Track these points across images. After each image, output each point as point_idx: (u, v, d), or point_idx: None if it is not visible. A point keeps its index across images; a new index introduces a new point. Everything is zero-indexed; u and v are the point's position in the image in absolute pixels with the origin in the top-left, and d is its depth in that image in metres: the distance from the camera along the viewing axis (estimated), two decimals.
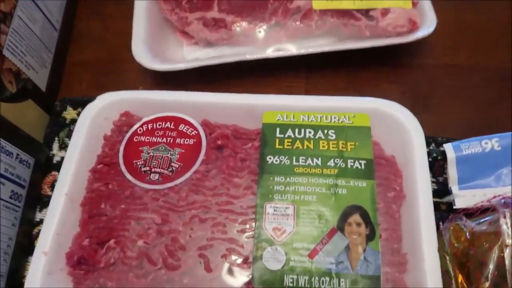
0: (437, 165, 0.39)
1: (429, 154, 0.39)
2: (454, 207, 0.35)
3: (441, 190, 0.38)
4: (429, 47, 0.46)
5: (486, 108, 0.43)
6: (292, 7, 0.43)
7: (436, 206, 0.37)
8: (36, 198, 0.41)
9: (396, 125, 0.37)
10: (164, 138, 0.37)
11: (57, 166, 0.41)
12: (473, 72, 0.45)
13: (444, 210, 0.37)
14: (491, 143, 0.34)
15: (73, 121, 0.44)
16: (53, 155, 0.43)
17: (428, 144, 0.40)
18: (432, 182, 0.38)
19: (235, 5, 0.43)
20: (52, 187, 0.41)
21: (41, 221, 0.39)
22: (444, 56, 0.46)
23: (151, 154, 0.36)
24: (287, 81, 0.46)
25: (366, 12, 0.42)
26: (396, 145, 0.37)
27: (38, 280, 0.32)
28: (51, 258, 0.33)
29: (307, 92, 0.45)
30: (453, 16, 0.48)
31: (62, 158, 0.37)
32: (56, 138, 0.43)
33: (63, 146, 0.43)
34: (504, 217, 0.30)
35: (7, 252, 0.37)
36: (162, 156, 0.36)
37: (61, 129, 0.44)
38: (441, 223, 0.35)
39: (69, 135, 0.43)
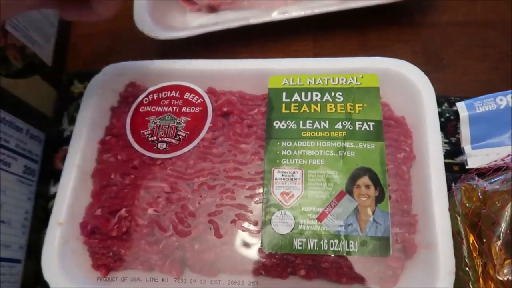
0: (450, 125, 0.38)
1: (441, 114, 0.38)
2: (467, 167, 0.34)
3: (453, 150, 0.37)
4: (441, 3, 0.44)
5: (503, 65, 0.41)
6: None
7: (449, 167, 0.36)
8: (50, 172, 0.41)
9: (406, 85, 0.35)
10: (170, 107, 0.36)
11: (68, 141, 0.41)
12: (489, 29, 0.43)
13: (457, 171, 0.36)
14: (506, 99, 0.33)
15: (81, 95, 0.43)
16: (64, 129, 0.43)
17: (440, 104, 0.39)
18: (445, 142, 0.37)
19: None
20: (64, 161, 0.42)
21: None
22: (458, 12, 0.44)
23: (158, 123, 0.36)
24: (294, 45, 0.44)
25: None
26: (406, 106, 0.36)
27: (55, 249, 0.33)
28: (66, 228, 0.34)
29: (316, 55, 0.44)
30: None
31: (72, 133, 0.38)
32: (66, 113, 0.44)
33: (73, 121, 0.43)
34: None
35: (24, 225, 0.38)
36: (168, 125, 0.36)
37: (69, 103, 0.44)
38: (453, 184, 0.34)
39: (77, 109, 0.43)
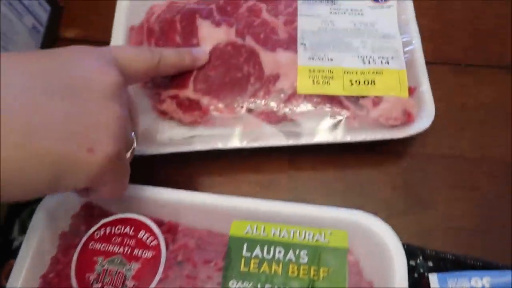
0: (424, 282, 0.35)
1: (415, 268, 0.35)
2: None
3: None
4: (425, 134, 0.42)
5: (487, 212, 0.39)
6: (274, 90, 0.39)
7: None
8: None
9: (377, 244, 0.33)
10: (122, 248, 0.33)
11: (16, 253, 0.38)
12: (476, 166, 0.41)
13: None
14: (481, 282, 0.30)
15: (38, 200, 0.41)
16: (13, 239, 0.40)
17: (415, 256, 0.36)
18: None
19: (212, 85, 0.39)
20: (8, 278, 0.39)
21: None
22: (443, 145, 0.42)
23: (106, 267, 0.33)
24: (269, 171, 0.42)
25: (355, 100, 0.38)
26: (376, 264, 0.33)
27: None
28: None
29: (290, 178, 0.41)
30: (454, 98, 0.43)
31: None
32: (17, 220, 0.41)
33: (24, 230, 0.40)
34: None
35: None
36: (116, 271, 0.33)
37: (23, 208, 0.41)
38: None
39: (31, 216, 0.40)
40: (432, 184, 0.40)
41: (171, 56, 0.37)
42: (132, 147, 0.32)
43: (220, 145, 0.38)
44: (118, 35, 0.45)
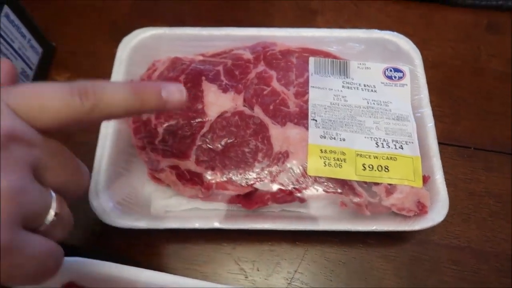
0: None
1: None
2: None
3: None
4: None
5: None
6: (283, 169, 0.36)
7: None
8: None
9: None
10: None
11: None
12: (483, 259, 0.39)
13: None
14: None
15: None
16: None
17: None
18: None
19: (216, 158, 0.37)
20: None
21: None
22: (450, 234, 0.40)
23: None
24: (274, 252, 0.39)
25: (368, 186, 0.36)
26: None
27: None
28: None
29: (290, 269, 0.39)
30: (462, 184, 0.42)
31: None
32: None
33: None
34: None
35: None
36: None
37: None
38: None
39: None
40: (439, 277, 0.38)
41: (117, 97, 0.24)
42: (50, 214, 0.23)
43: (220, 224, 0.35)
44: None
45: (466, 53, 0.49)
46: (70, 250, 0.37)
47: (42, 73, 0.47)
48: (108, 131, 0.39)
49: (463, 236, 0.40)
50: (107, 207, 0.36)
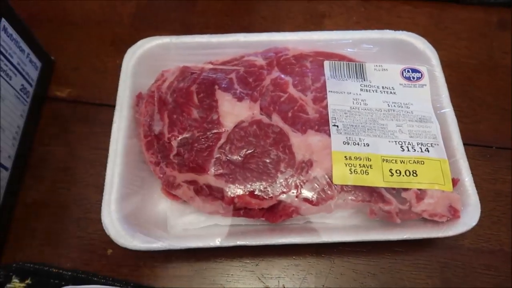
0: None
1: None
2: None
3: None
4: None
5: None
6: (307, 179, 0.35)
7: None
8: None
9: None
10: None
11: None
12: None
13: None
14: None
15: None
16: None
17: None
18: None
19: (236, 170, 0.35)
20: None
21: None
22: (481, 238, 0.39)
23: None
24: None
25: (397, 193, 0.35)
26: None
27: None
28: None
29: (317, 281, 0.37)
30: (487, 185, 0.41)
31: None
32: None
33: None
34: None
35: (15, 137, 0.40)
36: None
37: None
38: None
39: None
40: (473, 283, 0.37)
41: None
42: None
43: (244, 241, 0.33)
44: (123, 101, 0.39)
45: (480, 51, 0.48)
46: (86, 276, 0.36)
47: (42, 89, 0.45)
48: (117, 147, 0.37)
49: (494, 239, 0.38)
50: (121, 228, 0.33)
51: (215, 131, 0.36)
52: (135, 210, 0.36)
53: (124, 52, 0.42)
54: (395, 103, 0.39)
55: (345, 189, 0.34)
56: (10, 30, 0.39)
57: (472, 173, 0.37)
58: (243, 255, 0.37)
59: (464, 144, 0.40)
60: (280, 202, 0.34)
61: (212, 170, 0.35)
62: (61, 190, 0.40)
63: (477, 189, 0.36)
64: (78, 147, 0.42)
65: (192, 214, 0.36)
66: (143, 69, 0.42)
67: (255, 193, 0.34)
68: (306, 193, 0.34)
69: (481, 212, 0.37)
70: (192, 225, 0.36)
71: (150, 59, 0.42)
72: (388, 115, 0.38)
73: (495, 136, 0.43)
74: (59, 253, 0.37)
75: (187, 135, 0.36)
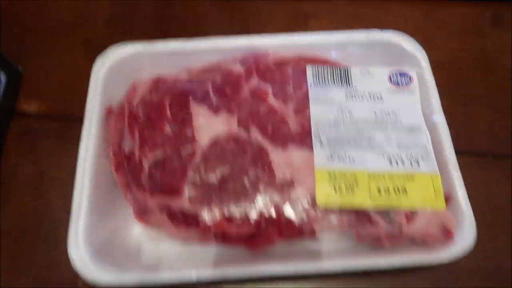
0: None
1: None
2: None
3: None
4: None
5: None
6: (288, 200, 0.32)
7: None
8: None
9: None
10: None
11: None
12: None
13: None
14: None
15: None
16: None
17: None
18: None
19: (211, 192, 0.32)
20: None
21: None
22: (477, 255, 0.36)
23: None
24: None
25: (386, 214, 0.32)
26: None
27: None
28: None
29: None
30: (482, 197, 0.38)
31: None
32: None
33: None
34: None
35: None
36: None
37: None
38: None
39: None
40: None
41: None
42: None
43: (222, 271, 0.31)
44: (93, 115, 0.37)
45: (473, 49, 0.45)
46: None
47: (9, 104, 0.42)
48: (86, 167, 0.34)
49: (493, 256, 0.36)
50: (90, 262, 0.31)
51: (189, 148, 0.34)
52: (106, 239, 0.33)
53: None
54: (382, 111, 0.36)
55: (330, 210, 0.32)
56: None
57: (465, 184, 0.34)
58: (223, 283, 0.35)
59: (457, 153, 0.37)
60: (259, 227, 0.32)
61: (186, 193, 0.32)
62: (27, 215, 0.37)
63: (471, 201, 0.34)
64: (47, 166, 0.39)
65: (167, 241, 0.34)
66: (114, 78, 0.39)
67: (233, 218, 0.31)
68: (288, 215, 0.32)
69: (477, 228, 0.34)
70: (168, 254, 0.33)
71: (121, 67, 0.39)
72: (375, 125, 0.35)
73: (491, 144, 0.41)
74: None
75: (158, 154, 0.34)
